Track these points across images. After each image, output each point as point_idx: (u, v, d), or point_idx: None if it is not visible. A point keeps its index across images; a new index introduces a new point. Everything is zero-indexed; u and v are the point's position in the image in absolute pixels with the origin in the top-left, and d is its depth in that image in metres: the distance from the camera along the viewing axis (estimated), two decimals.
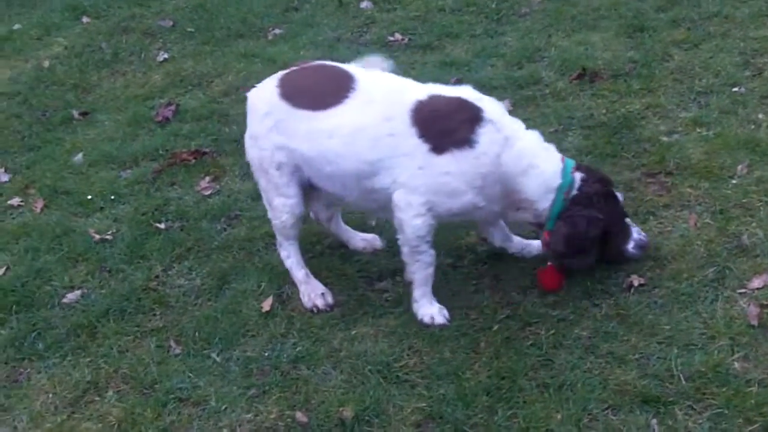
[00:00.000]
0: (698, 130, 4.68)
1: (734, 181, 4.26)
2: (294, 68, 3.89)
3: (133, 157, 5.15)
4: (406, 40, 6.18)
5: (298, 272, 3.94)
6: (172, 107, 5.59)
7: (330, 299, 3.87)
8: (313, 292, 3.88)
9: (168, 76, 6.07)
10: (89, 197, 4.82)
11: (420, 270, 3.70)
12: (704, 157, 4.44)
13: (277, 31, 6.59)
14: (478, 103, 3.57)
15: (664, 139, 4.65)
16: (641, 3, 6.16)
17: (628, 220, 3.84)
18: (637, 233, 3.82)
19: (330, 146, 3.60)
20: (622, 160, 4.53)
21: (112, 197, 4.80)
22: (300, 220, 3.86)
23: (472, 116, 3.53)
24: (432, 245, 3.67)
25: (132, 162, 5.12)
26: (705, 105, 4.91)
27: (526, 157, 3.58)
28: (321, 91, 3.69)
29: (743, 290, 3.66)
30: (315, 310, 3.85)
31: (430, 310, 3.72)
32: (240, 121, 5.31)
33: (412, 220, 3.57)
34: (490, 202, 3.61)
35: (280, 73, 3.84)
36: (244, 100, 5.44)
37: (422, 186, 3.52)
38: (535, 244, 3.99)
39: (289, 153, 3.69)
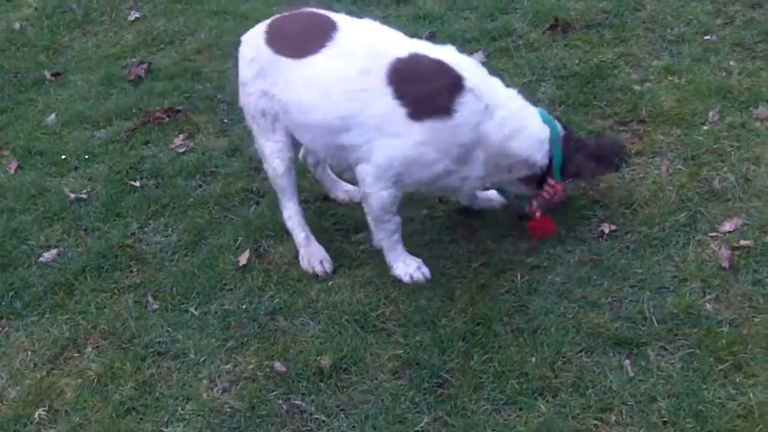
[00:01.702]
0: (670, 78, 4.70)
1: (705, 128, 4.30)
2: (284, 14, 3.87)
3: (106, 116, 5.12)
4: None
5: (299, 234, 3.88)
6: (145, 66, 5.55)
7: (329, 266, 3.80)
8: (313, 257, 3.83)
9: (140, 35, 6.01)
10: (63, 157, 4.79)
11: (387, 237, 3.71)
12: (676, 104, 4.47)
13: None
14: (459, 69, 3.45)
15: (637, 87, 4.67)
16: None
17: None
18: None
19: (304, 96, 3.57)
20: (594, 109, 4.55)
21: (86, 157, 4.78)
22: (291, 167, 3.83)
23: (453, 83, 3.41)
24: (396, 212, 3.66)
25: (105, 121, 5.09)
26: (677, 53, 4.92)
27: (509, 124, 3.50)
28: (302, 39, 3.64)
29: (714, 234, 3.71)
30: (314, 274, 3.80)
31: (406, 269, 3.72)
32: (213, 78, 5.33)
33: (378, 193, 3.55)
34: (470, 168, 3.53)
35: (270, 19, 3.83)
36: (218, 57, 5.55)
37: (396, 158, 3.46)
38: (497, 198, 3.98)
39: (270, 100, 3.69)
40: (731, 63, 4.76)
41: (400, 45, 3.57)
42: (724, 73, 4.68)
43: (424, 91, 3.42)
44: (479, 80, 3.49)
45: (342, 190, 4.19)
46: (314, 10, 3.84)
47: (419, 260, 3.75)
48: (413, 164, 3.47)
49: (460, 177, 3.56)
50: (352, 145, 3.53)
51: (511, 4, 5.68)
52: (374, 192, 3.56)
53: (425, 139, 3.41)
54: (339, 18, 3.70)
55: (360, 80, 3.47)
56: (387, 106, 3.42)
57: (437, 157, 3.45)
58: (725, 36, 5.02)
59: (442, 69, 3.45)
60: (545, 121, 3.61)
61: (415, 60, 3.48)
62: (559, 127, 3.65)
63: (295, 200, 3.90)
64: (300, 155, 4.11)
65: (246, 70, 3.78)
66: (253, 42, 3.76)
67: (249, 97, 3.78)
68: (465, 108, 3.40)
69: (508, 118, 3.51)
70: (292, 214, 3.90)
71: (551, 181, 3.63)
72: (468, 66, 3.51)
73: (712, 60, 4.82)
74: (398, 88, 3.42)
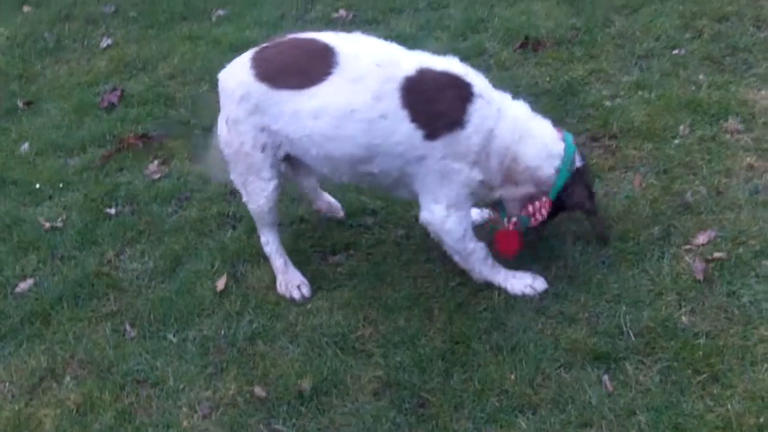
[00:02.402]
0: (640, 93, 4.76)
1: (677, 141, 4.34)
2: (266, 45, 3.68)
3: (80, 144, 5.11)
4: (351, 16, 6.19)
5: (278, 260, 3.87)
6: (118, 92, 5.55)
7: (306, 291, 3.79)
8: (290, 283, 3.82)
9: (112, 62, 6.01)
10: (38, 186, 4.77)
11: (483, 265, 3.67)
12: (647, 119, 4.52)
13: (220, 12, 6.55)
14: (466, 78, 3.45)
15: (608, 103, 4.72)
16: None
17: None
18: None
19: (316, 128, 3.44)
20: (567, 125, 4.54)
21: (61, 185, 4.76)
22: (277, 205, 3.78)
23: (462, 93, 3.40)
24: (475, 237, 3.63)
25: (79, 149, 5.08)
26: (646, 68, 4.99)
27: (519, 126, 3.51)
28: (301, 68, 3.48)
29: (688, 246, 3.74)
30: (292, 300, 3.79)
31: (521, 283, 3.66)
32: (187, 104, 5.33)
33: (443, 227, 3.55)
34: (490, 176, 3.52)
35: (252, 52, 3.63)
36: (191, 83, 5.56)
37: (431, 184, 3.48)
38: (478, 213, 4.00)
39: (272, 135, 3.54)
40: (700, 77, 4.82)
41: (406, 62, 3.47)
42: (693, 87, 4.74)
43: (436, 108, 3.40)
44: (486, 86, 3.50)
45: (325, 201, 4.20)
46: (298, 35, 3.68)
47: (526, 272, 3.71)
48: (444, 179, 3.47)
49: (484, 185, 3.55)
50: (383, 172, 3.51)
51: (482, 23, 5.75)
52: (441, 228, 3.56)
53: (444, 153, 3.42)
54: (331, 39, 3.53)
55: (376, 107, 3.38)
56: (407, 131, 3.39)
57: (457, 166, 3.44)
58: (694, 50, 5.09)
59: (450, 81, 3.43)
60: (566, 141, 3.59)
61: (423, 77, 3.42)
62: (577, 156, 3.60)
63: (275, 229, 3.88)
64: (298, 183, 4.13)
65: (236, 109, 3.56)
66: (240, 78, 3.56)
67: (241, 135, 3.58)
68: (477, 116, 3.40)
69: (519, 120, 3.52)
70: (270, 240, 3.89)
71: (543, 198, 3.59)
72: (474, 74, 3.51)
73: (682, 74, 4.88)
74: (413, 110, 3.38)
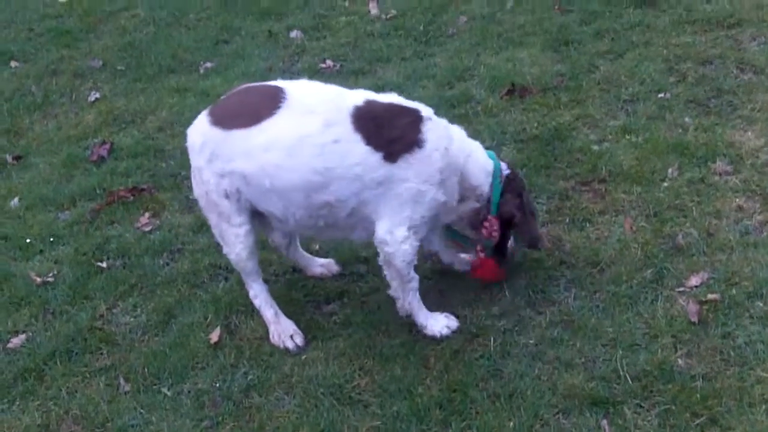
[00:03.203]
0: (627, 137, 4.80)
1: (666, 184, 4.38)
2: (223, 96, 3.87)
3: (70, 198, 5.10)
4: (338, 66, 6.24)
5: (268, 311, 3.87)
6: (107, 146, 5.55)
7: (300, 341, 3.80)
8: (283, 333, 3.82)
9: (101, 116, 6.03)
10: (28, 241, 4.75)
11: (413, 296, 3.73)
12: (635, 162, 4.56)
13: (208, 64, 6.60)
14: (412, 105, 3.62)
15: (595, 147, 4.76)
16: (564, 18, 6.31)
17: None
18: None
19: (269, 159, 3.51)
20: (555, 170, 4.62)
21: (52, 239, 4.75)
22: (255, 251, 3.80)
23: (413, 117, 3.54)
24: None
25: (69, 203, 5.07)
26: (633, 112, 5.04)
27: (464, 146, 3.71)
28: (251, 109, 3.60)
29: (682, 289, 3.76)
30: (287, 350, 3.78)
31: (439, 324, 3.74)
32: (176, 156, 5.34)
33: (400, 247, 3.57)
34: (450, 197, 3.65)
35: (211, 105, 3.79)
36: (180, 134, 5.56)
37: (394, 207, 3.53)
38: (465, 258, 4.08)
39: (230, 177, 3.60)
40: (686, 119, 4.88)
41: (353, 96, 3.62)
42: (680, 130, 4.79)
43: (391, 133, 3.49)
44: (430, 111, 3.64)
45: (318, 265, 4.20)
46: (250, 84, 3.85)
47: (441, 313, 3.79)
48: (408, 202, 3.53)
49: (445, 206, 3.67)
50: (338, 200, 3.54)
51: (468, 71, 5.81)
52: (396, 248, 3.58)
53: (407, 175, 3.49)
54: (279, 83, 3.67)
55: (327, 132, 3.47)
56: (362, 153, 3.47)
57: (423, 188, 3.52)
58: (679, 93, 5.15)
59: (398, 109, 3.60)
60: (490, 157, 3.78)
61: (372, 106, 3.56)
62: (503, 165, 3.79)
63: (260, 279, 3.89)
64: (270, 241, 4.11)
65: (197, 158, 3.68)
66: (198, 128, 3.68)
67: (206, 184, 3.66)
68: (431, 135, 3.51)
69: (463, 141, 3.73)
70: (258, 292, 3.89)
71: (489, 217, 3.75)
72: (415, 102, 3.67)
73: (668, 117, 4.93)
74: (366, 134, 3.48)
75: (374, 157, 3.47)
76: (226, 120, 3.61)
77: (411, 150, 3.49)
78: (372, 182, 3.50)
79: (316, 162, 3.47)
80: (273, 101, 3.55)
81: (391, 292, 3.74)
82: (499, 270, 3.91)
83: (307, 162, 3.48)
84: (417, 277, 3.71)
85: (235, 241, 3.74)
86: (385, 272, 3.70)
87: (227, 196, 3.65)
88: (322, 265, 4.20)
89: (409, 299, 3.73)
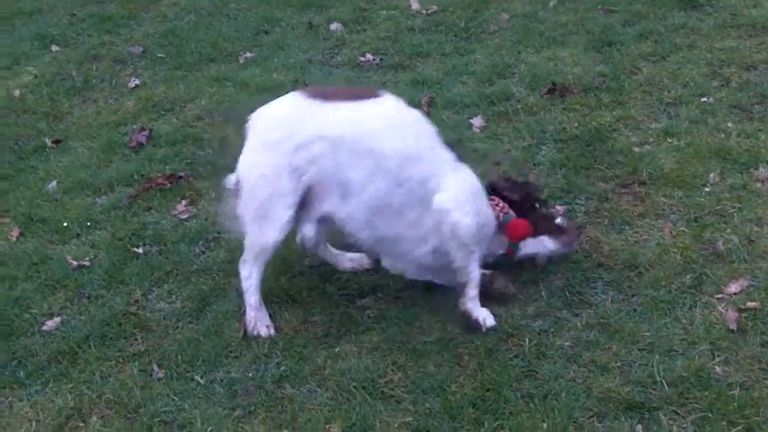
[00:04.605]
0: (669, 140, 4.75)
1: (707, 189, 4.33)
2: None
3: (107, 183, 5.13)
4: (378, 60, 6.22)
5: (253, 297, 3.88)
6: (146, 132, 5.57)
7: (273, 332, 3.84)
8: (260, 321, 3.85)
9: (140, 102, 6.05)
10: (65, 224, 4.78)
11: (476, 268, 3.74)
12: (676, 166, 4.51)
13: (248, 54, 6.60)
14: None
15: (636, 150, 4.71)
16: (608, 18, 6.25)
17: None
18: None
19: (373, 125, 3.66)
20: (595, 171, 4.58)
21: (88, 224, 4.77)
22: (282, 241, 3.82)
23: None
24: None
25: (107, 188, 5.09)
26: (675, 116, 4.98)
27: None
28: (350, 93, 3.90)
29: (721, 295, 3.71)
30: (258, 336, 3.82)
31: (481, 311, 3.74)
32: (214, 144, 5.35)
33: (465, 219, 3.62)
34: None
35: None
36: (218, 123, 5.58)
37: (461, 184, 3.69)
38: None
39: (311, 148, 3.64)
40: (729, 125, 4.82)
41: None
42: (722, 135, 4.73)
43: None
44: None
45: (348, 259, 4.18)
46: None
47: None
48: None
49: None
50: (421, 178, 3.65)
51: (509, 68, 5.77)
52: (462, 217, 3.62)
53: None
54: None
55: (422, 118, 3.82)
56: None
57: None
58: (722, 98, 5.09)
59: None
60: None
61: None
62: None
63: (263, 267, 3.89)
64: (297, 239, 4.07)
65: (270, 133, 3.76)
66: (286, 102, 3.80)
67: (268, 161, 3.71)
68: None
69: None
70: (253, 275, 3.88)
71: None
72: None
73: (710, 122, 4.88)
74: None
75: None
76: (322, 96, 3.75)
77: None
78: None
79: (413, 140, 3.66)
80: (369, 92, 3.83)
81: (458, 263, 3.72)
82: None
83: (406, 136, 3.65)
84: (480, 249, 3.72)
85: (276, 224, 3.75)
86: (449, 245, 3.68)
87: (293, 172, 3.67)
88: (352, 260, 4.19)
89: (471, 269, 3.72)
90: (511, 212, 3.89)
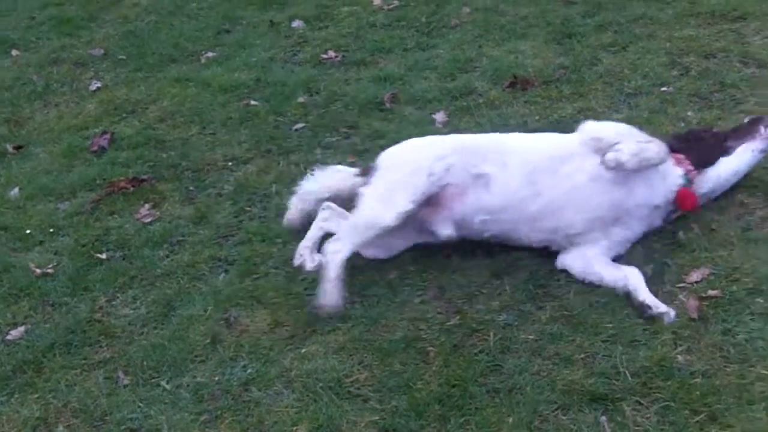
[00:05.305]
0: None
1: None
2: None
3: (70, 188, 5.09)
4: (340, 57, 6.22)
5: (333, 271, 3.87)
6: (108, 136, 5.54)
7: (342, 306, 3.87)
8: (332, 295, 3.85)
9: (101, 105, 6.01)
10: (28, 231, 4.75)
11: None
12: None
13: (209, 54, 6.57)
14: None
15: None
16: (568, 10, 6.28)
17: None
18: None
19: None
20: None
21: (51, 230, 4.74)
22: (387, 230, 3.90)
23: None
24: None
25: (69, 193, 5.05)
26: (635, 106, 5.02)
27: None
28: None
29: (682, 284, 3.74)
30: (324, 310, 3.85)
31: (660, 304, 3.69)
32: (177, 146, 5.33)
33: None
34: None
35: None
36: (181, 125, 5.56)
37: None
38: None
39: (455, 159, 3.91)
40: (689, 113, 4.86)
41: None
42: (682, 124, 4.77)
43: None
44: None
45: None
46: None
47: None
48: None
49: None
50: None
51: (471, 63, 5.78)
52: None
53: None
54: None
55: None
56: None
57: None
58: (681, 87, 5.13)
59: None
60: None
61: None
62: None
63: (355, 248, 3.96)
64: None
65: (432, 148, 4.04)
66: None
67: (421, 163, 3.92)
68: None
69: None
70: (343, 252, 3.91)
71: None
72: None
73: (670, 111, 4.91)
74: None
75: None
76: None
77: None
78: None
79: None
80: None
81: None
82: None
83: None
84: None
85: (394, 209, 3.85)
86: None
87: (430, 175, 3.88)
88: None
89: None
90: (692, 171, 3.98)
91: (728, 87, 5.05)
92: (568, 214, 3.86)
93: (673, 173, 3.94)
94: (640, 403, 3.26)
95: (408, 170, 3.95)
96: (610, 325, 3.58)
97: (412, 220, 3.97)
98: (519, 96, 5.30)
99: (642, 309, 3.63)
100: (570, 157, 3.89)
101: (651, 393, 3.29)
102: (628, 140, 3.79)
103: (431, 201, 3.93)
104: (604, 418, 3.22)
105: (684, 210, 3.98)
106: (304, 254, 4.13)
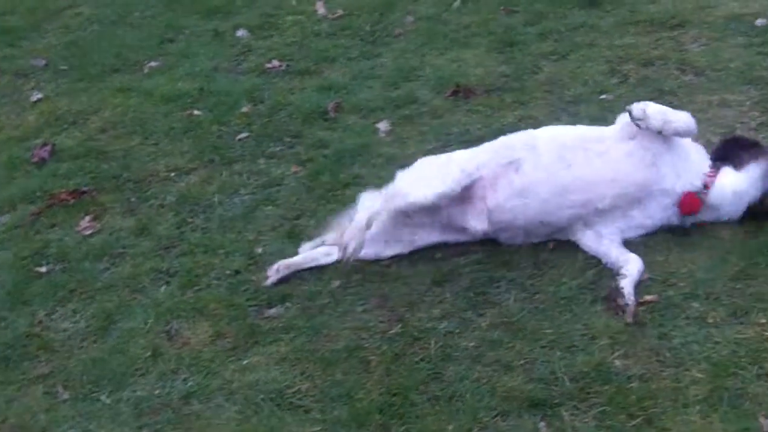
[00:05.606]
0: None
1: None
2: None
3: (9, 201, 5.02)
4: (284, 66, 6.20)
5: (363, 221, 3.94)
6: (48, 147, 5.47)
7: (360, 252, 3.97)
8: (356, 240, 3.92)
9: (42, 116, 5.94)
10: None
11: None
12: None
13: (153, 63, 6.52)
14: None
15: None
16: (510, 18, 6.33)
17: None
18: None
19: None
20: None
21: None
22: (426, 209, 3.98)
23: None
24: None
25: (9, 206, 4.99)
26: (575, 114, 5.06)
27: None
28: None
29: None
30: (344, 254, 3.94)
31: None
32: (119, 157, 5.28)
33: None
34: None
35: None
36: (123, 135, 5.51)
37: None
38: None
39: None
40: None
41: None
42: None
43: None
44: None
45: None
46: None
47: None
48: None
49: None
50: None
51: (414, 72, 5.80)
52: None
53: None
54: None
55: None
56: None
57: None
58: (621, 94, 5.19)
59: None
60: None
61: None
62: None
63: (393, 215, 4.04)
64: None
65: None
66: None
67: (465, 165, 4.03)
68: None
69: None
70: (382, 214, 4.02)
71: None
72: None
73: (610, 118, 4.86)
74: None
75: None
76: None
77: None
78: None
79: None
80: None
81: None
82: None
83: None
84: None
85: (428, 188, 3.93)
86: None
87: (462, 171, 3.99)
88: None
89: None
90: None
91: (666, 94, 5.13)
92: (600, 187, 3.93)
93: (700, 171, 4.00)
94: (578, 408, 3.30)
95: (441, 162, 4.10)
96: (549, 331, 3.62)
97: (439, 215, 4.03)
98: (461, 104, 5.33)
99: (613, 293, 3.72)
100: (601, 139, 4.04)
101: (589, 398, 3.33)
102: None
103: (464, 197, 3.99)
104: (542, 423, 3.26)
105: (683, 211, 4.00)
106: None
